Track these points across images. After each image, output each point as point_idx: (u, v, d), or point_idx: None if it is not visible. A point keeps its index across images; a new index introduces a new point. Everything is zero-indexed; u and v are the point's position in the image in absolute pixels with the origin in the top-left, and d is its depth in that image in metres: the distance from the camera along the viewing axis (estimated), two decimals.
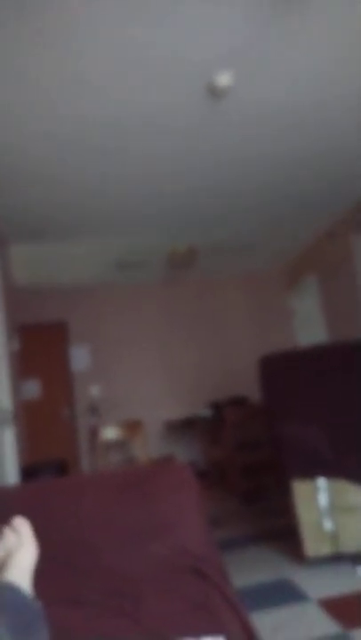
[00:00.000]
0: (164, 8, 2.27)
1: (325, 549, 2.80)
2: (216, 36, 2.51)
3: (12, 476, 3.78)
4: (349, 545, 2.79)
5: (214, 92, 2.94)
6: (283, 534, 3.37)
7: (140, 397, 6.74)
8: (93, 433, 5.86)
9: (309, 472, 2.92)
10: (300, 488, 2.90)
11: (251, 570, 2.94)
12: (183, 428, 6.49)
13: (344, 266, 5.56)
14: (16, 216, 4.32)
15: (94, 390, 6.71)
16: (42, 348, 6.72)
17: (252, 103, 3.14)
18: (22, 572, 1.01)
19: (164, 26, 2.38)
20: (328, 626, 2.14)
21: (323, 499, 2.87)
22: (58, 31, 2.33)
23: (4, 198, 3.94)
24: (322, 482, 2.89)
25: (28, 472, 3.92)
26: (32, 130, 3.09)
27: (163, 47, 2.54)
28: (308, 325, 6.73)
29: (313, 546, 2.82)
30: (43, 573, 1.10)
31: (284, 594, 2.55)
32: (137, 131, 3.27)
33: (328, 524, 2.83)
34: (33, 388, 6.58)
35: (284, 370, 3.65)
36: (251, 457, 4.84)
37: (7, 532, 1.09)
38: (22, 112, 2.90)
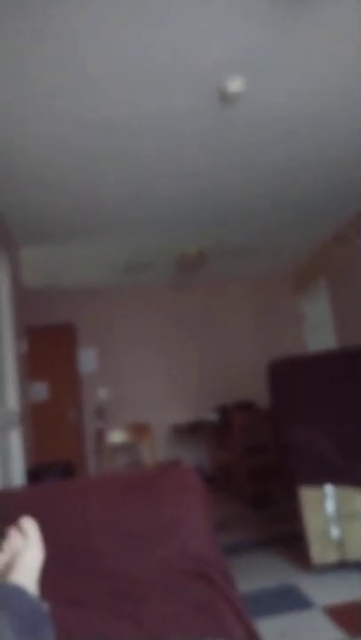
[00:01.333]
0: (175, 12, 2.28)
1: (332, 556, 2.79)
2: (228, 41, 2.51)
3: (18, 478, 3.79)
4: (356, 552, 2.77)
5: (225, 97, 2.95)
6: (289, 540, 3.35)
7: (146, 400, 6.74)
8: (100, 435, 5.87)
9: (317, 478, 2.90)
10: (307, 494, 2.89)
11: (256, 575, 2.92)
12: (190, 431, 6.48)
13: (352, 269, 5.54)
14: (25, 219, 4.35)
15: (101, 393, 6.72)
16: (50, 350, 6.75)
17: (262, 108, 3.14)
18: (29, 573, 1.00)
19: (174, 30, 2.39)
20: (333, 633, 2.12)
21: (330, 505, 2.85)
22: (62, 34, 2.34)
23: (13, 201, 3.97)
24: (329, 489, 2.87)
25: (34, 474, 3.93)
26: (41, 134, 3.11)
27: (174, 52, 2.54)
28: (319, 330, 6.70)
29: (319, 552, 2.80)
30: (47, 575, 1.10)
31: (289, 600, 2.53)
32: (148, 134, 3.29)
33: (335, 531, 2.81)
34: (40, 390, 6.60)
35: (292, 375, 3.63)
36: (258, 462, 4.83)
37: (14, 533, 1.08)
38: (28, 116, 2.91)
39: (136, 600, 1.33)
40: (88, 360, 6.83)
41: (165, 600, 1.32)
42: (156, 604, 1.30)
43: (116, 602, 1.33)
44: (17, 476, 3.78)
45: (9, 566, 1.02)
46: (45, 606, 0.93)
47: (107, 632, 1.17)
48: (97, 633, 1.17)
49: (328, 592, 2.56)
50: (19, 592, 0.92)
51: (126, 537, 1.56)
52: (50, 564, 1.14)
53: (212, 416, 6.13)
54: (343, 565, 2.81)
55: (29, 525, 1.09)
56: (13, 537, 1.08)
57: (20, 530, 1.09)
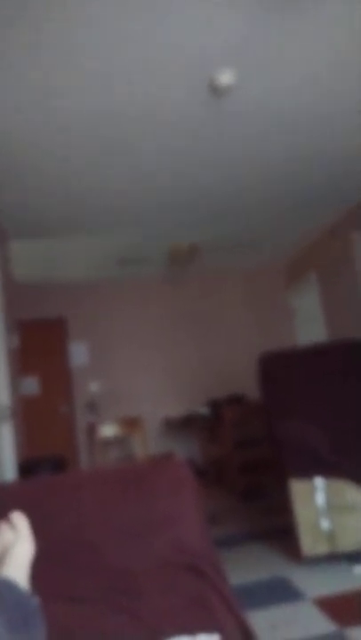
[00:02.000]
0: (165, 5, 2.27)
1: (322, 548, 2.81)
2: (218, 33, 2.50)
3: (9, 472, 3.78)
4: (346, 544, 2.79)
5: (216, 90, 2.93)
6: (280, 532, 3.38)
7: (138, 394, 6.75)
8: (92, 429, 5.87)
9: (307, 471, 2.92)
10: (297, 487, 2.91)
11: (247, 568, 2.94)
12: (182, 425, 6.49)
13: (345, 264, 5.56)
14: (16, 211, 4.32)
15: (93, 387, 6.71)
16: (41, 344, 6.73)
17: (253, 101, 3.14)
18: (19, 567, 1.01)
19: (165, 23, 2.38)
20: (324, 625, 2.14)
21: (320, 498, 2.87)
22: (58, 26, 2.32)
23: (4, 194, 3.94)
24: (319, 481, 2.89)
25: (26, 468, 3.92)
26: (32, 126, 3.09)
27: (164, 44, 2.53)
28: (309, 324, 6.73)
29: (310, 545, 2.82)
30: (41, 570, 1.10)
31: (280, 592, 2.55)
32: (138, 127, 3.27)
33: (325, 524, 2.83)
34: (32, 385, 6.58)
35: (283, 368, 3.65)
36: (249, 455, 4.85)
37: (4, 527, 1.09)
38: (21, 109, 2.90)
39: (131, 594, 1.33)
40: (79, 354, 6.82)
41: (160, 593, 1.33)
42: (151, 597, 1.31)
43: (111, 596, 1.33)
44: (8, 470, 3.78)
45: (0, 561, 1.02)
46: (36, 600, 0.93)
47: (103, 626, 1.18)
48: (93, 627, 1.17)
49: (318, 584, 2.58)
50: (9, 586, 0.92)
51: (119, 531, 1.56)
52: (44, 559, 1.14)
53: (204, 410, 6.15)
54: (333, 557, 2.83)
55: (20, 520, 1.09)
56: (4, 531, 1.08)
57: (11, 524, 1.09)
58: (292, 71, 2.90)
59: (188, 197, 4.55)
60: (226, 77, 2.83)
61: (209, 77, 2.84)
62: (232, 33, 2.51)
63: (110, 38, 2.44)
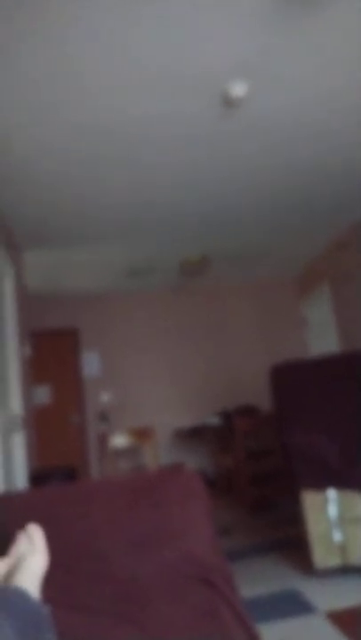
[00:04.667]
0: (178, 17, 2.30)
1: (334, 561, 2.78)
2: (231, 45, 2.53)
3: (21, 482, 3.79)
4: (358, 557, 2.76)
5: (228, 102, 2.96)
6: (292, 545, 3.35)
7: (149, 404, 6.75)
8: (103, 439, 5.87)
9: (320, 482, 2.90)
10: (309, 498, 2.89)
11: (259, 580, 2.92)
12: (192, 436, 6.47)
13: (355, 275, 5.54)
14: (29, 223, 4.37)
15: (104, 397, 6.72)
16: (53, 354, 6.76)
17: (266, 114, 3.16)
18: (32, 577, 1.02)
19: (177, 35, 2.41)
20: (336, 638, 2.12)
21: (332, 510, 2.85)
22: (64, 40, 2.36)
23: (16, 205, 3.99)
24: (332, 493, 2.87)
25: (37, 478, 3.94)
26: (45, 141, 3.14)
27: (177, 56, 2.56)
28: (322, 334, 6.70)
29: (322, 557, 2.79)
30: (50, 579, 1.11)
31: (291, 605, 2.53)
32: (151, 139, 3.31)
33: (337, 536, 2.81)
34: (43, 394, 6.61)
35: (294, 379, 3.63)
36: (260, 466, 4.82)
37: (21, 537, 1.10)
38: (30, 122, 2.94)
39: (140, 604, 1.33)
40: (91, 364, 6.84)
41: (169, 605, 1.33)
42: (161, 608, 1.31)
43: (120, 606, 1.33)
44: (20, 480, 3.79)
45: (13, 570, 1.03)
46: (47, 609, 0.94)
47: (111, 636, 1.18)
48: (101, 637, 1.17)
49: (331, 597, 2.55)
50: (22, 595, 0.93)
51: (129, 541, 1.56)
52: (54, 568, 1.15)
53: (215, 420, 6.13)
54: (346, 570, 2.80)
55: (36, 532, 1.11)
56: (20, 541, 1.09)
57: (28, 535, 1.10)
58: (305, 85, 2.92)
59: (199, 209, 4.57)
60: (238, 89, 2.85)
61: (221, 89, 2.87)
62: (245, 44, 2.54)
63: (119, 50, 2.47)
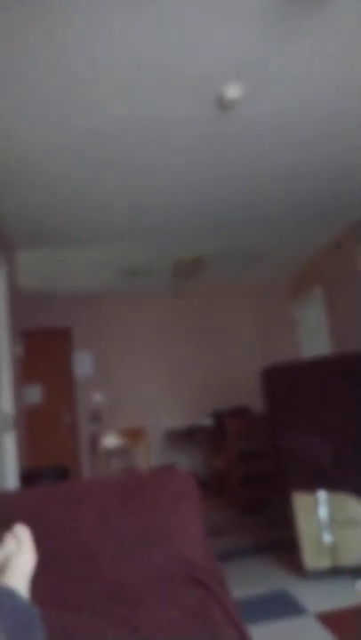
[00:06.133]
0: (173, 19, 2.30)
1: (325, 563, 2.79)
2: (226, 47, 2.53)
3: (11, 482, 3.77)
4: (349, 559, 2.77)
5: (223, 104, 2.96)
6: (283, 546, 3.35)
7: (142, 405, 6.74)
8: (95, 440, 5.86)
9: (310, 484, 2.91)
10: (300, 500, 2.89)
11: (249, 581, 2.92)
12: (185, 436, 6.47)
13: (350, 277, 5.57)
14: (23, 222, 4.35)
15: (96, 397, 6.71)
16: (45, 353, 6.74)
17: (261, 115, 3.16)
18: (20, 577, 1.01)
19: (172, 37, 2.41)
20: None
21: (323, 511, 2.85)
22: (60, 42, 2.35)
23: (10, 205, 3.98)
24: (322, 495, 2.87)
25: (28, 478, 3.92)
26: (42, 141, 3.12)
27: (171, 59, 2.56)
28: (313, 336, 6.72)
29: (312, 559, 2.80)
30: (41, 579, 1.11)
31: (282, 606, 2.53)
32: (146, 141, 3.30)
33: (328, 537, 2.81)
34: (35, 394, 6.58)
35: (286, 381, 3.64)
36: (252, 467, 4.83)
37: (8, 537, 1.10)
38: (27, 122, 2.93)
39: (131, 605, 1.33)
40: (83, 364, 6.83)
41: (160, 605, 1.32)
42: (151, 608, 1.30)
43: (111, 606, 1.33)
44: (11, 480, 3.77)
45: (1, 570, 1.03)
46: (36, 609, 0.94)
47: (101, 636, 1.17)
48: (91, 637, 1.16)
49: (321, 598, 2.56)
50: (10, 595, 0.93)
51: (120, 541, 1.56)
52: (44, 569, 1.14)
53: (207, 421, 6.14)
54: (336, 571, 2.81)
55: (23, 532, 1.11)
56: (7, 542, 1.09)
57: (15, 536, 1.10)
58: (299, 88, 2.93)
59: (194, 210, 4.57)
60: (233, 91, 2.85)
61: (216, 91, 2.87)
62: (241, 47, 2.54)
63: (115, 53, 2.47)
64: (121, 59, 2.52)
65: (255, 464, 4.80)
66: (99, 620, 1.24)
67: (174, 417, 6.79)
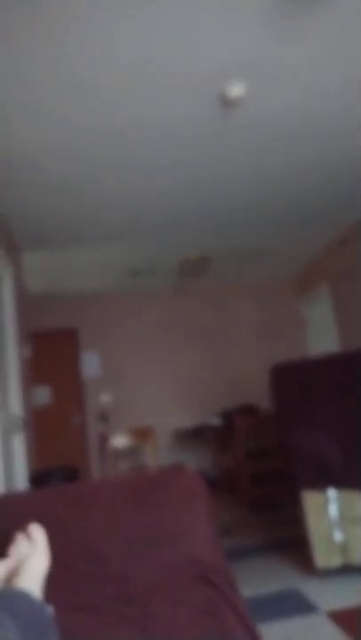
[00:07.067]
0: (175, 18, 2.30)
1: (335, 561, 2.78)
2: (229, 46, 2.53)
3: (21, 483, 3.79)
4: (359, 556, 2.76)
5: (226, 102, 2.96)
6: (293, 544, 3.35)
7: (150, 405, 6.75)
8: (103, 440, 5.87)
9: (320, 482, 2.90)
10: (310, 498, 2.89)
11: (260, 580, 2.92)
12: (193, 436, 6.47)
13: (356, 274, 5.55)
14: (29, 223, 4.37)
15: (105, 397, 6.73)
16: (53, 354, 6.76)
17: (264, 114, 3.16)
18: (34, 578, 1.02)
19: (174, 35, 2.41)
20: (337, 638, 2.12)
21: (333, 509, 2.85)
22: (62, 41, 2.35)
23: (17, 206, 3.99)
24: (332, 492, 2.87)
25: (38, 478, 3.94)
26: (44, 142, 3.13)
27: (174, 57, 2.56)
28: (321, 334, 6.70)
29: (323, 557, 2.79)
30: (51, 579, 1.11)
31: (293, 605, 2.53)
32: (149, 141, 3.30)
33: (338, 535, 2.81)
34: (43, 395, 6.61)
35: (295, 379, 3.63)
36: (261, 466, 4.82)
37: (21, 538, 1.10)
38: (30, 123, 2.94)
39: (140, 605, 1.33)
40: (91, 364, 6.84)
41: (169, 605, 1.32)
42: (160, 608, 1.30)
43: (121, 606, 1.33)
44: (20, 480, 3.79)
45: (15, 571, 1.03)
46: (50, 610, 0.94)
47: (110, 636, 1.18)
48: (100, 637, 1.17)
49: (332, 596, 2.55)
50: (24, 597, 0.93)
51: (129, 541, 1.56)
52: (54, 569, 1.15)
53: (215, 420, 6.14)
54: (347, 570, 2.80)
55: (37, 532, 1.11)
56: (20, 542, 1.09)
57: (28, 536, 1.10)
58: (302, 85, 2.93)
59: (199, 209, 4.57)
60: (237, 90, 2.85)
61: (219, 89, 2.87)
62: (244, 45, 2.54)
63: (117, 52, 2.47)
64: (121, 59, 2.52)
65: (264, 462, 4.80)
66: (108, 621, 1.25)
67: (182, 416, 6.79)
